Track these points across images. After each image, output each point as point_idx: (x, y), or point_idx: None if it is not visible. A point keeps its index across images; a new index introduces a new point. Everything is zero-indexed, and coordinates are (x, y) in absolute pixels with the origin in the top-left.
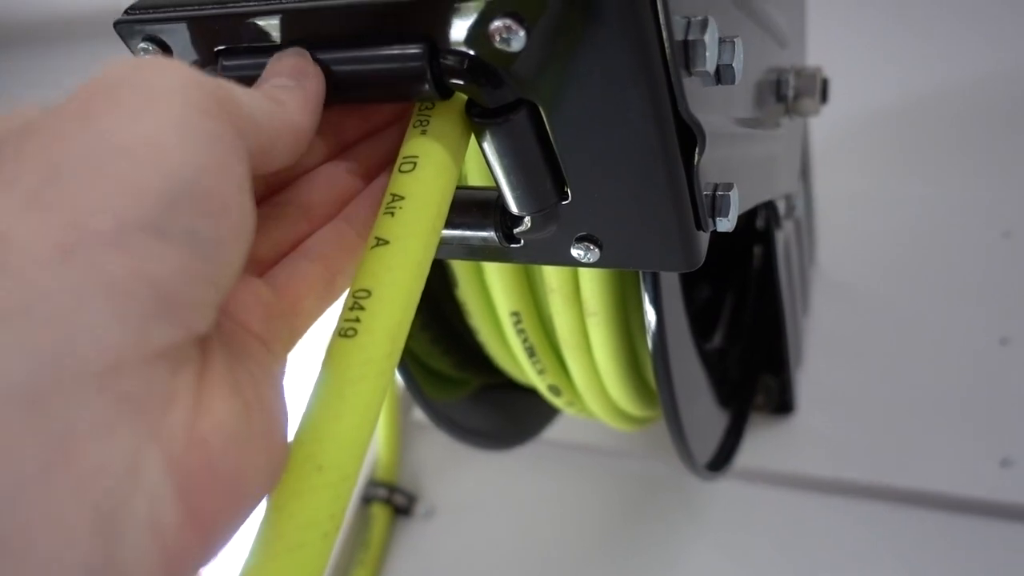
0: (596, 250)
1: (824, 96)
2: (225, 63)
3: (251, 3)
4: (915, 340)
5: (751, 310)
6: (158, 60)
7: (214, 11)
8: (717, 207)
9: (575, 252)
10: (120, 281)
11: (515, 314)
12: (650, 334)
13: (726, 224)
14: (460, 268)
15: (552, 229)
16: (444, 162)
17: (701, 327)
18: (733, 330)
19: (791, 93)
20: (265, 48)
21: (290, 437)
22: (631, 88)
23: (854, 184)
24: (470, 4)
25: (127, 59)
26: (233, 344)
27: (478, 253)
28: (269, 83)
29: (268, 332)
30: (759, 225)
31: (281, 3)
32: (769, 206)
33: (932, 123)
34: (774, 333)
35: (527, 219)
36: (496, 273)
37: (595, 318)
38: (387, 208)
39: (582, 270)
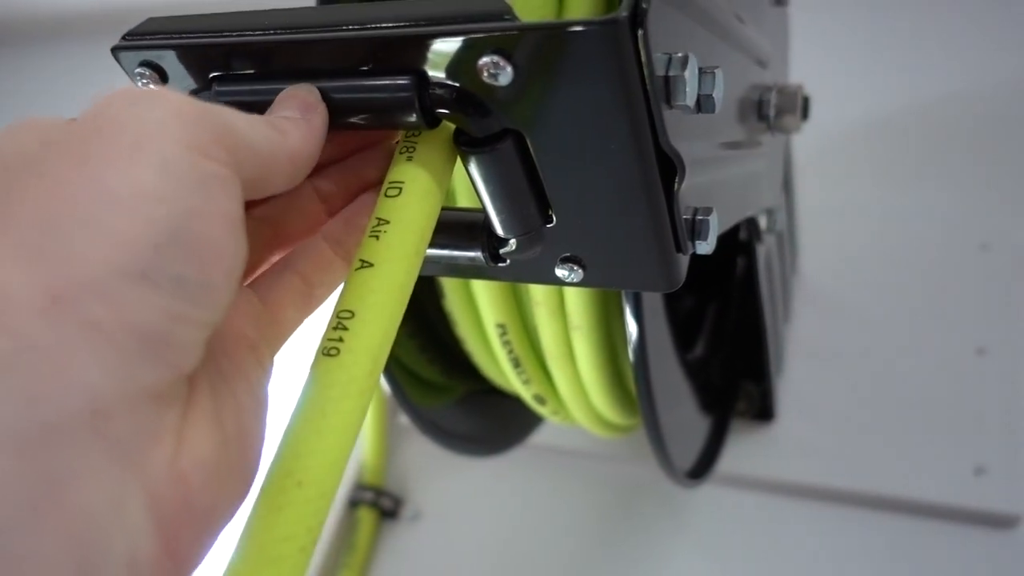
0: (580, 271)
1: (805, 113)
2: (219, 88)
3: (246, 33)
4: (893, 349)
5: (733, 319)
6: (155, 95)
7: (209, 40)
8: (697, 231)
9: (559, 272)
10: (107, 329)
11: (501, 326)
12: (632, 347)
13: (705, 247)
14: (447, 280)
15: (537, 250)
16: (428, 188)
17: (684, 336)
18: (715, 339)
19: (772, 112)
20: (259, 75)
21: (263, 465)
22: (614, 121)
23: (836, 197)
24: (459, 40)
25: (126, 94)
26: (222, 358)
27: (465, 271)
28: (275, 113)
29: (258, 336)
30: (742, 237)
31: (276, 34)
32: (751, 221)
33: (911, 137)
34: (755, 342)
35: (513, 241)
36: (482, 286)
37: (579, 331)
38: (372, 231)
39: None
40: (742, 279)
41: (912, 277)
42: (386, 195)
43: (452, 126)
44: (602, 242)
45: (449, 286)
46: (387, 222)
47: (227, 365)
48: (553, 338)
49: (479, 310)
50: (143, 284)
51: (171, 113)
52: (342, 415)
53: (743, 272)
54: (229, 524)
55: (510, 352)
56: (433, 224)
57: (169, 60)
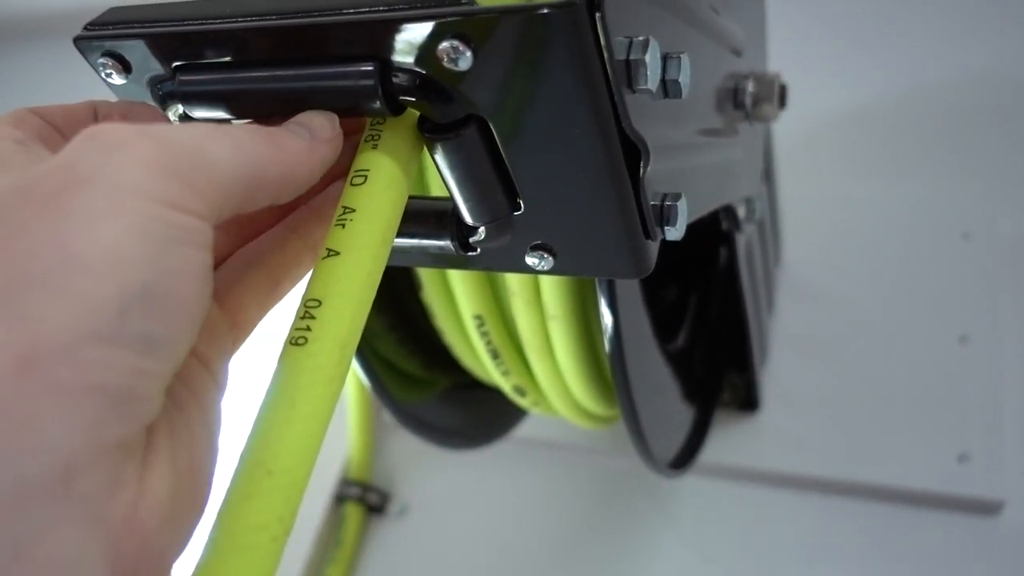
0: (550, 258)
1: (782, 102)
2: (182, 78)
3: (208, 21)
4: (877, 338)
5: (716, 310)
6: (129, 143)
7: (171, 28)
8: (665, 217)
9: (530, 260)
10: (73, 390)
11: (478, 317)
12: (607, 337)
13: (675, 233)
14: (425, 271)
15: (507, 238)
16: (394, 175)
17: (666, 326)
18: (697, 329)
19: (749, 100)
20: (223, 64)
21: (212, 497)
22: (576, 106)
23: (818, 187)
24: (419, 25)
25: (100, 141)
26: (177, 386)
27: (436, 260)
28: (285, 125)
29: (212, 349)
30: (724, 227)
31: (237, 22)
32: (729, 210)
33: (893, 127)
34: (738, 333)
35: (482, 229)
36: (459, 276)
37: (556, 321)
38: (338, 220)
39: None
40: (724, 269)
41: (894, 266)
42: (351, 183)
43: (417, 113)
44: (571, 229)
45: (427, 277)
46: (353, 210)
47: (181, 392)
48: (530, 328)
49: (456, 301)
50: (109, 346)
51: (144, 166)
52: (311, 404)
53: (725, 262)
54: (183, 554)
55: (488, 343)
56: (400, 211)
57: (132, 50)
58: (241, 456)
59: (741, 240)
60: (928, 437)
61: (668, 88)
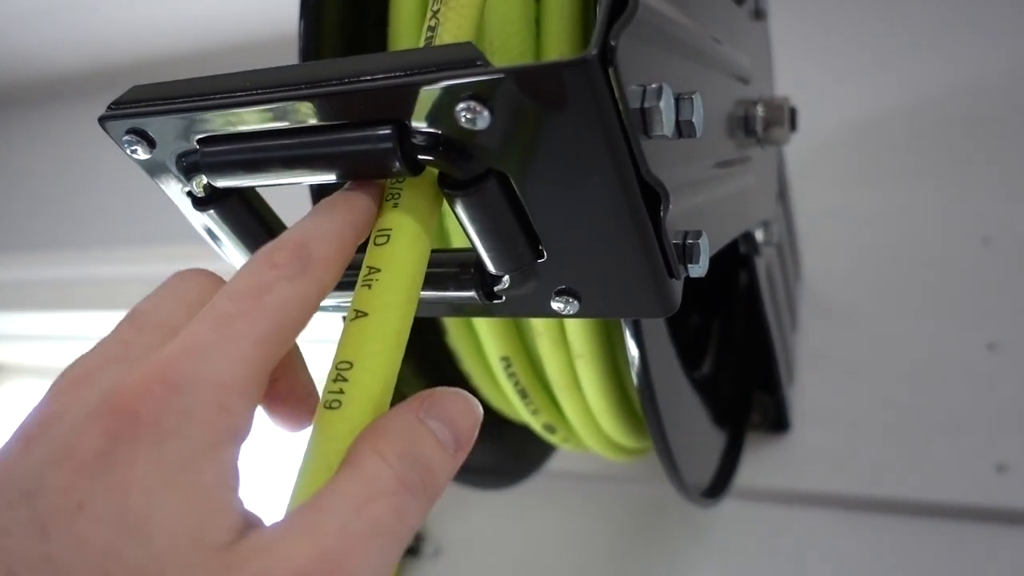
0: (575, 302)
1: (793, 124)
2: (205, 150)
3: (228, 96)
4: (903, 350)
5: (740, 333)
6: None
7: (192, 104)
8: (688, 255)
9: (555, 305)
10: None
11: (505, 359)
12: (635, 371)
13: (698, 270)
14: (449, 317)
15: (532, 285)
16: (416, 233)
17: (691, 354)
18: (723, 354)
19: (760, 126)
20: (244, 135)
21: None
22: (593, 157)
23: (835, 200)
24: (436, 88)
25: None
26: None
27: (462, 310)
28: (430, 421)
29: None
30: (742, 251)
31: (258, 94)
32: (747, 235)
33: (906, 135)
34: (764, 354)
35: (506, 278)
36: (484, 320)
37: (583, 359)
38: (364, 280)
39: None
40: (745, 293)
41: (916, 276)
42: (375, 243)
43: (435, 170)
44: (594, 273)
45: (451, 322)
46: (378, 270)
47: None
48: (558, 368)
49: (482, 344)
50: None
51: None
52: None
53: (746, 286)
54: None
55: (516, 384)
56: (424, 268)
57: (155, 126)
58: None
59: (761, 263)
60: (964, 448)
61: (683, 129)
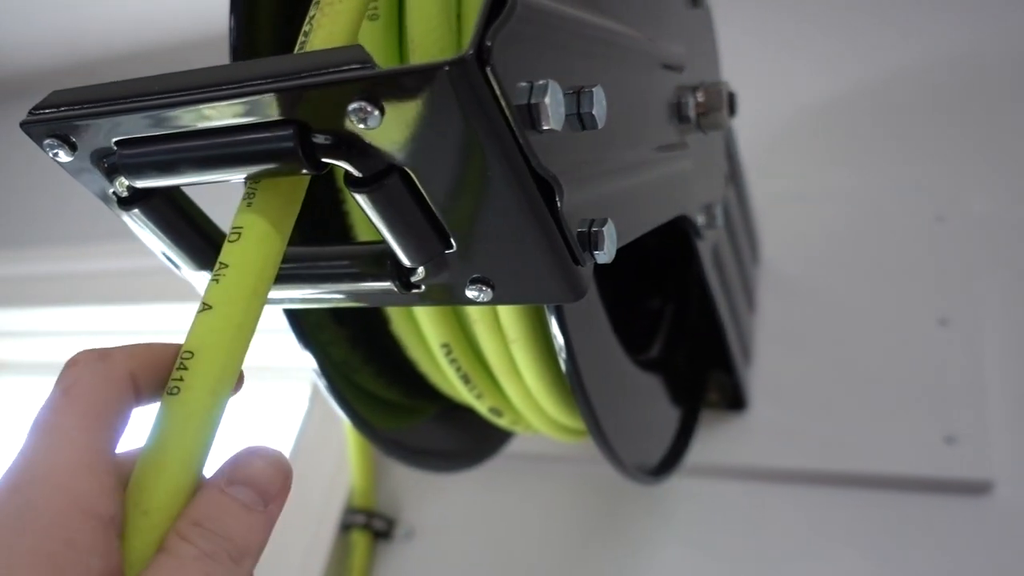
0: (489, 290)
1: (732, 109)
2: (122, 152)
3: (142, 99)
4: (858, 327)
5: (695, 314)
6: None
7: (106, 109)
8: (593, 242)
9: (470, 293)
10: None
11: (445, 345)
12: (562, 357)
13: (604, 256)
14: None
15: (447, 275)
16: (265, 232)
17: (647, 336)
18: (677, 335)
19: (694, 112)
20: (158, 137)
21: None
22: (483, 153)
23: (792, 183)
24: (331, 90)
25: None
26: None
27: (385, 300)
28: (232, 489)
29: None
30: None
31: (168, 98)
32: (686, 219)
33: (861, 116)
34: (716, 335)
35: (420, 268)
36: (422, 308)
37: (517, 344)
38: (214, 276)
39: None
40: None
41: (872, 254)
42: (228, 240)
43: (296, 169)
44: (504, 262)
45: (393, 310)
46: (226, 266)
47: None
48: (495, 352)
49: (423, 332)
50: None
51: None
52: (181, 449)
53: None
54: None
55: (458, 369)
56: (274, 263)
57: (75, 130)
58: (125, 497)
59: (704, 246)
60: (915, 421)
61: (584, 121)
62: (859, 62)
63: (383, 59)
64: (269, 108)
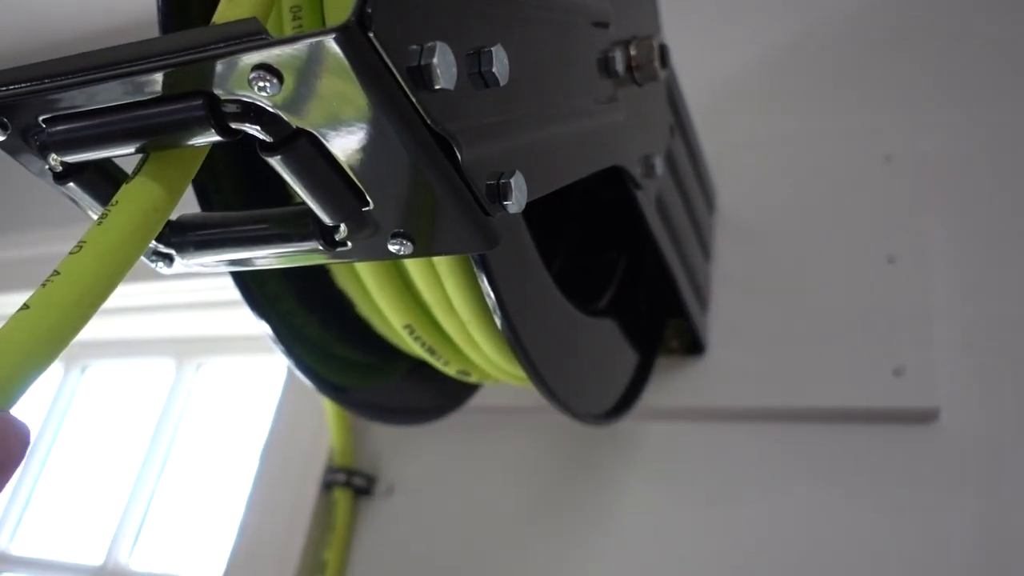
0: (409, 243)
1: (663, 62)
2: (50, 130)
3: (62, 77)
4: (811, 269)
5: (648, 263)
6: None
7: (27, 88)
8: (502, 194)
9: (392, 247)
10: None
11: (408, 326)
12: (497, 316)
13: (515, 207)
14: (351, 290)
15: (369, 231)
16: (106, 250)
17: (602, 286)
18: (631, 284)
19: (621, 67)
20: (82, 113)
21: None
22: (378, 115)
23: (744, 131)
24: (233, 59)
25: None
26: None
27: (315, 258)
28: None
29: None
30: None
31: (87, 75)
32: (623, 170)
33: (809, 61)
34: (669, 283)
35: (342, 226)
36: (380, 293)
37: (472, 324)
38: (46, 280)
39: (444, 280)
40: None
41: (822, 196)
42: (71, 252)
43: (147, 195)
44: (418, 216)
45: (355, 296)
46: (58, 273)
47: None
48: (455, 331)
49: (386, 316)
50: None
51: None
52: None
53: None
54: None
55: (423, 345)
56: (111, 283)
57: (4, 110)
58: None
59: (644, 196)
60: (865, 356)
61: (486, 79)
62: (805, 6)
63: (308, 23)
64: (179, 81)
